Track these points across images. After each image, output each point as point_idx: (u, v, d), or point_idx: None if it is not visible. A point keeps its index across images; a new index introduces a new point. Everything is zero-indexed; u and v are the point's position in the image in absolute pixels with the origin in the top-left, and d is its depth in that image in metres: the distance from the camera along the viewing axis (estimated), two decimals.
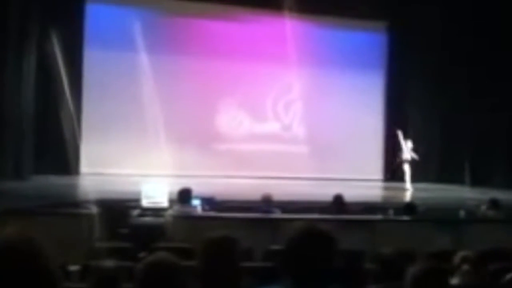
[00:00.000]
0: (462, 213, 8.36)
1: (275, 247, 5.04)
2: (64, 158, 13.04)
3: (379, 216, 7.28)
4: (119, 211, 7.06)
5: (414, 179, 14.48)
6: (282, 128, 15.94)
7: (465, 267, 3.71)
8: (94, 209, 6.67)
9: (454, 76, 15.19)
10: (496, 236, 5.91)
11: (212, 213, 7.10)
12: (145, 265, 2.39)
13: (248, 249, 4.85)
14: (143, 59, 14.08)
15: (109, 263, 3.31)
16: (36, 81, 12.49)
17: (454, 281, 3.60)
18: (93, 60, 13.87)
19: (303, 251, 1.97)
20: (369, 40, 16.45)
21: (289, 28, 15.12)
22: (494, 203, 7.62)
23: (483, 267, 3.86)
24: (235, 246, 2.70)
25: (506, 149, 14.77)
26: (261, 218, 6.62)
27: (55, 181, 11.73)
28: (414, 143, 14.52)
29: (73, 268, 4.37)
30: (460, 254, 3.85)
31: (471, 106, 15.00)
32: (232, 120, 15.41)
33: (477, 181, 14.69)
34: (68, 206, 7.58)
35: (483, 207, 7.87)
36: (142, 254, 4.93)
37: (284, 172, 14.53)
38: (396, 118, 16.36)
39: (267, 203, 7.11)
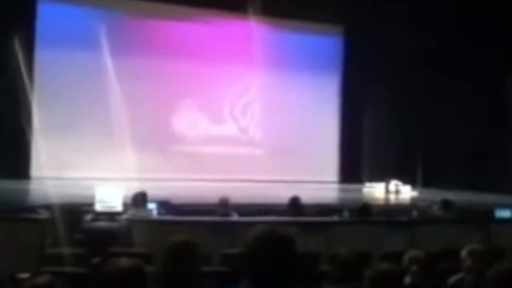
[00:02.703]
0: (415, 214, 8.55)
1: (232, 251, 5.02)
2: (14, 162, 12.65)
3: (334, 218, 7.36)
4: (71, 216, 6.87)
5: (369, 181, 14.79)
6: (239, 131, 15.95)
7: (414, 267, 3.78)
8: (45, 214, 6.48)
9: (408, 79, 15.55)
10: (447, 237, 6.08)
11: (168, 217, 7.02)
12: (114, 271, 2.33)
13: (205, 253, 4.80)
14: (99, 59, 13.79)
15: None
16: None
17: (405, 281, 3.67)
18: (46, 60, 13.52)
19: (263, 254, 1.97)
20: (325, 43, 16.70)
21: (247, 30, 15.16)
22: (445, 204, 7.83)
23: (432, 267, 3.96)
24: (197, 251, 2.69)
25: (457, 151, 15.24)
26: (218, 221, 6.59)
27: (4, 185, 11.31)
28: (369, 144, 14.75)
29: (24, 275, 4.22)
30: (409, 255, 3.93)
31: (423, 109, 15.41)
32: (189, 122, 15.31)
33: (429, 182, 15.11)
34: (18, 211, 7.32)
35: (435, 208, 8.08)
36: (96, 260, 4.83)
37: (241, 175, 14.53)
38: (352, 121, 16.67)
39: (224, 206, 7.08)
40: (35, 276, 3.85)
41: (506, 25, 13.56)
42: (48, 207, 7.07)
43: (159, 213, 7.13)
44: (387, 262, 2.98)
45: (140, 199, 6.69)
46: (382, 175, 14.94)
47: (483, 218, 7.92)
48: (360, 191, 13.87)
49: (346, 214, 7.67)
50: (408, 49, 15.07)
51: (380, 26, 15.36)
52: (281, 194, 8.90)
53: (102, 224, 6.69)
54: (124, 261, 2.39)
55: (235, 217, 6.93)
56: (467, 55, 14.28)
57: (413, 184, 14.71)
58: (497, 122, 14.55)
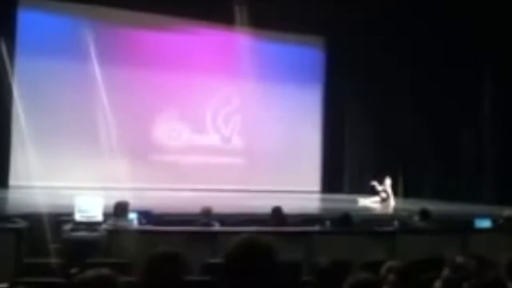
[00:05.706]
0: (395, 224, 8.60)
1: (214, 260, 4.99)
2: None
3: (316, 228, 7.37)
4: (50, 225, 6.78)
5: (351, 191, 14.84)
6: (222, 140, 15.93)
7: (391, 277, 3.78)
8: (22, 224, 6.37)
9: (388, 92, 15.69)
10: (427, 246, 6.12)
11: (149, 227, 6.95)
12: (84, 281, 2.30)
13: (187, 262, 4.76)
14: (80, 69, 13.71)
15: None
16: None
17: None
18: (25, 68, 13.37)
19: (243, 264, 1.96)
20: (308, 54, 16.81)
21: (230, 40, 15.20)
22: (424, 214, 7.89)
23: (411, 277, 3.95)
24: (178, 261, 2.67)
25: (434, 162, 15.41)
26: (200, 231, 6.54)
27: None
28: (350, 155, 14.77)
29: (0, 286, 4.14)
30: (387, 265, 3.92)
31: (403, 122, 15.54)
32: (171, 131, 15.25)
33: (409, 193, 15.23)
34: None
35: (415, 218, 8.13)
36: (74, 270, 4.75)
37: (223, 185, 14.49)
38: (334, 131, 16.76)
39: (206, 216, 7.04)
40: (11, 287, 3.79)
41: (486, 34, 13.69)
42: (26, 216, 6.96)
43: (140, 223, 7.05)
44: (366, 272, 2.98)
45: (121, 209, 6.61)
46: (362, 186, 15.01)
47: (463, 228, 8.00)
48: (342, 201, 13.89)
49: (327, 224, 7.68)
50: (389, 61, 15.23)
51: (360, 38, 15.51)
52: (263, 204, 8.89)
53: (81, 234, 6.60)
54: (92, 272, 2.35)
55: (216, 227, 6.89)
56: (448, 66, 14.45)
57: (395, 194, 14.79)
58: (475, 132, 14.75)
